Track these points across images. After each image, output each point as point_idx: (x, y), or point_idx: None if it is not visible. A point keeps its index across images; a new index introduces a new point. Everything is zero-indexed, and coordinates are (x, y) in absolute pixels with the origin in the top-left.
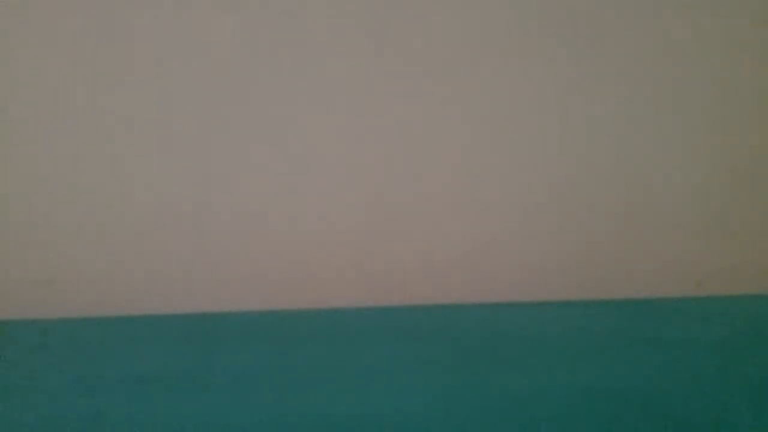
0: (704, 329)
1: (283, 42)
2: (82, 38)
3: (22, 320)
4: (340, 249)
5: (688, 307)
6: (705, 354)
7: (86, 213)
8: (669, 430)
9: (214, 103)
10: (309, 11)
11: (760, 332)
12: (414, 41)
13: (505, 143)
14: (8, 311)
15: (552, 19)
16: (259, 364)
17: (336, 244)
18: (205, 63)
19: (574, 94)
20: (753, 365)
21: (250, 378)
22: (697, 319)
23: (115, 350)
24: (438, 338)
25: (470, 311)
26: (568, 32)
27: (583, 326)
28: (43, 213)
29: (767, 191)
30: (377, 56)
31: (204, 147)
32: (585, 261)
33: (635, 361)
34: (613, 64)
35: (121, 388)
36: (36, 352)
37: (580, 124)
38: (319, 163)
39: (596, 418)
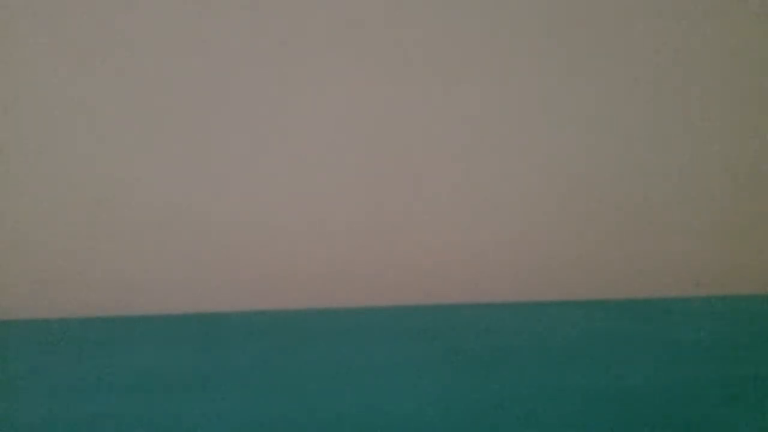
0: (704, 329)
1: (285, 43)
2: (82, 38)
3: (22, 320)
4: (340, 249)
5: (688, 307)
6: (705, 354)
7: (86, 213)
8: (669, 430)
9: (215, 103)
10: (310, 12)
11: (760, 332)
12: (417, 43)
13: (504, 144)
14: (8, 311)
15: (554, 21)
16: (259, 364)
17: (336, 244)
18: (205, 63)
19: (574, 96)
20: (753, 365)
21: (250, 378)
22: (697, 319)
23: (115, 350)
24: (438, 338)
25: (470, 311)
26: (569, 34)
27: (583, 326)
28: (43, 213)
29: (767, 191)
30: (379, 58)
31: (204, 147)
32: (585, 261)
33: (635, 361)
34: (612, 65)
35: (122, 388)
36: (36, 352)
37: (580, 125)
38: (319, 163)
39: (596, 418)
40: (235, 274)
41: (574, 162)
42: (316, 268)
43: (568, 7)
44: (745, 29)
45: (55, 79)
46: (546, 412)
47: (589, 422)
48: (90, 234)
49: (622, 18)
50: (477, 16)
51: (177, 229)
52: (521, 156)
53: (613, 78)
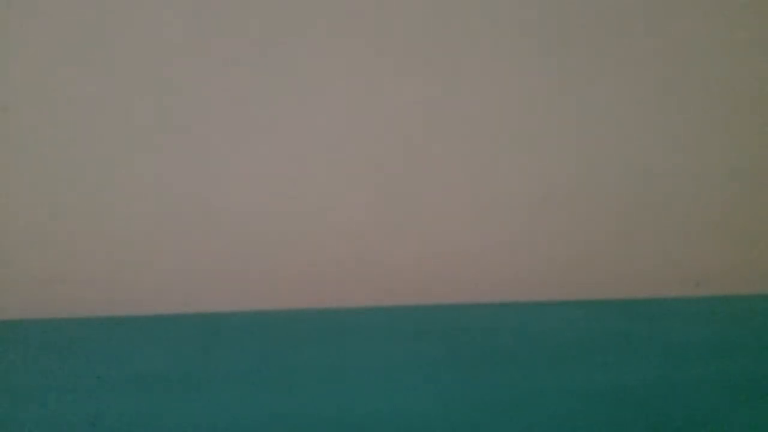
0: (704, 329)
1: (285, 41)
2: (83, 37)
3: (22, 320)
4: (340, 249)
5: (688, 307)
6: (705, 354)
7: (87, 213)
8: (668, 430)
9: (215, 104)
10: (310, 11)
11: (760, 332)
12: (419, 39)
13: (505, 143)
14: (8, 311)
15: (556, 18)
16: (259, 364)
17: (336, 244)
18: (205, 61)
19: (575, 96)
20: (753, 365)
21: (250, 378)
22: (697, 319)
23: (115, 350)
24: (438, 338)
25: (470, 311)
26: (572, 32)
27: (583, 326)
28: (44, 213)
29: (767, 191)
30: (380, 55)
31: (205, 146)
32: (585, 261)
33: (635, 361)
34: (614, 64)
35: (121, 388)
36: (36, 352)
37: (581, 125)
38: (320, 163)
39: (596, 418)
40: (235, 274)
41: (575, 162)
42: (316, 268)
43: (568, 7)
44: (746, 29)
45: (54, 78)
46: (546, 412)
47: (589, 422)
48: (90, 234)
49: (621, 18)
50: (479, 16)
51: (177, 230)
52: (521, 156)
53: (614, 78)
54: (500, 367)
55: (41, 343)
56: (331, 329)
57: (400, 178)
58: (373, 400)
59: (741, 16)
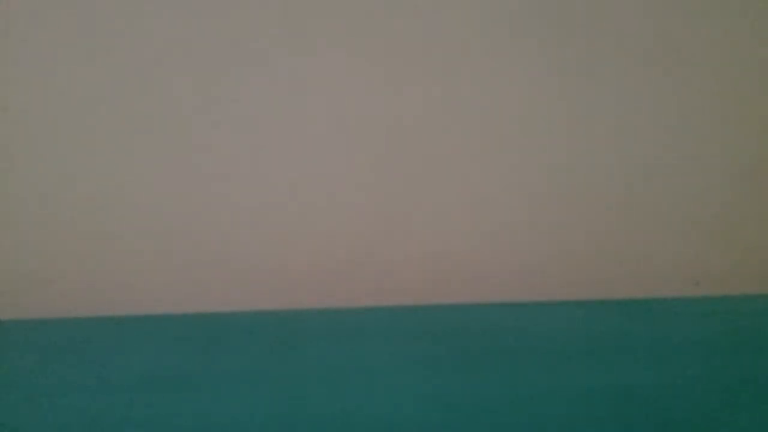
0: (704, 329)
1: (285, 42)
2: (83, 37)
3: (22, 320)
4: (340, 249)
5: (688, 307)
6: (705, 354)
7: (86, 213)
8: (669, 430)
9: (214, 102)
10: (308, 11)
11: (760, 332)
12: (415, 38)
13: (504, 143)
14: (8, 311)
15: (556, 16)
16: (259, 364)
17: (336, 244)
18: (202, 62)
19: (574, 94)
20: (753, 365)
21: (250, 378)
22: (697, 319)
23: (115, 350)
24: (438, 338)
25: (470, 311)
26: (571, 30)
27: (583, 326)
28: (44, 213)
29: (767, 191)
30: (379, 55)
31: (204, 146)
32: (585, 260)
33: (635, 361)
34: (614, 63)
35: (122, 388)
36: (36, 352)
37: (581, 125)
38: (319, 163)
39: (596, 418)
40: (235, 274)
41: (575, 162)
42: (315, 268)
43: (567, 7)
44: (746, 29)
45: (54, 80)
46: (546, 412)
47: (589, 422)
48: (90, 234)
49: (624, 16)
50: (478, 15)
51: (177, 229)
52: (522, 156)
53: (614, 77)
54: (500, 367)
55: (41, 343)
56: (331, 329)
57: (401, 178)
58: (373, 400)
59: (741, 16)
